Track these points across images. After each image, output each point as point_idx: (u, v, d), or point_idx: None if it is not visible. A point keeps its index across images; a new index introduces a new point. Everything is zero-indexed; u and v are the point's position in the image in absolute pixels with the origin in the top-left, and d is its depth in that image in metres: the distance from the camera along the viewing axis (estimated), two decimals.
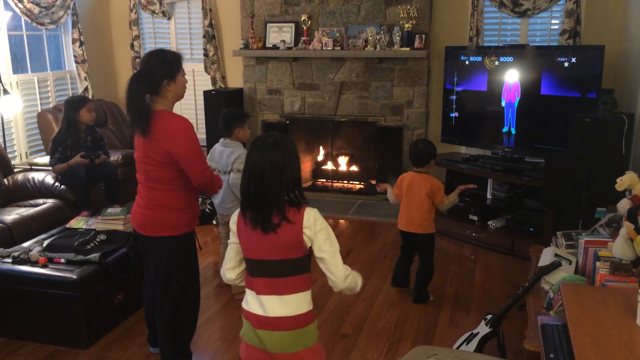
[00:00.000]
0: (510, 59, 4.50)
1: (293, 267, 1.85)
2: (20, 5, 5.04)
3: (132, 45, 6.25)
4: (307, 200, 1.88)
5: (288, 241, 1.82)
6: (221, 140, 3.60)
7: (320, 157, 6.11)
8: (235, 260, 1.98)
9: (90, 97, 5.85)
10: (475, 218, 4.67)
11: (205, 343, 3.11)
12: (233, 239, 1.96)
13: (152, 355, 3.01)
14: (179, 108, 6.30)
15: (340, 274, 1.86)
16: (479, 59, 4.70)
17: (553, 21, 5.04)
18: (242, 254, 1.94)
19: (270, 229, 1.81)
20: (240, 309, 3.68)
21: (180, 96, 2.60)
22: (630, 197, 2.59)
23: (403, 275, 3.72)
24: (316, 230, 1.82)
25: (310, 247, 1.86)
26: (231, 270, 2.00)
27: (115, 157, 5.01)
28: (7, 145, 5.08)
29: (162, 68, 2.49)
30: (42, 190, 4.53)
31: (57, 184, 4.53)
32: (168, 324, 2.69)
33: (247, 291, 1.94)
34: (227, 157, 3.52)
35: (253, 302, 1.90)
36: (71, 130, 4.46)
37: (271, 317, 1.85)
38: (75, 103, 4.49)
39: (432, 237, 3.59)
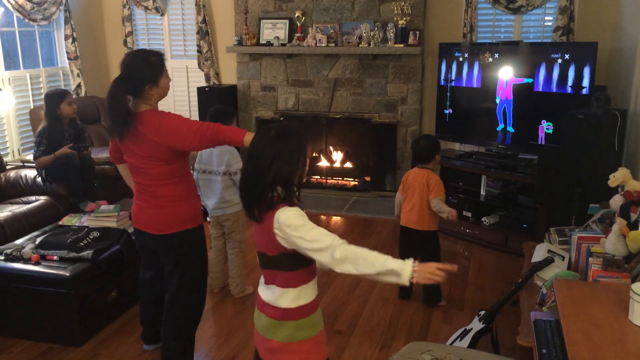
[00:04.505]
0: (504, 55, 4.51)
1: (275, 263, 1.82)
2: (12, 1, 5.00)
3: (125, 42, 6.22)
4: (294, 198, 1.78)
5: (266, 237, 1.80)
6: None
7: (314, 154, 6.10)
8: None
9: (83, 93, 5.82)
10: (469, 215, 4.69)
11: (198, 340, 3.10)
12: None
13: (145, 352, 3.01)
14: (172, 106, 6.28)
15: (325, 259, 1.71)
16: (473, 55, 4.70)
17: (547, 18, 5.05)
18: None
19: (255, 219, 1.81)
20: (232, 308, 3.67)
21: (163, 97, 2.55)
22: (622, 193, 2.59)
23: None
24: (287, 233, 1.72)
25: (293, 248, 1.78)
26: None
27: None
28: None
29: (145, 72, 2.42)
30: (34, 188, 4.49)
31: (39, 178, 4.45)
32: (180, 318, 2.69)
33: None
34: (218, 156, 3.43)
35: (260, 288, 1.94)
36: (53, 123, 4.39)
37: (263, 299, 1.89)
38: (55, 97, 4.39)
39: (434, 235, 3.50)
